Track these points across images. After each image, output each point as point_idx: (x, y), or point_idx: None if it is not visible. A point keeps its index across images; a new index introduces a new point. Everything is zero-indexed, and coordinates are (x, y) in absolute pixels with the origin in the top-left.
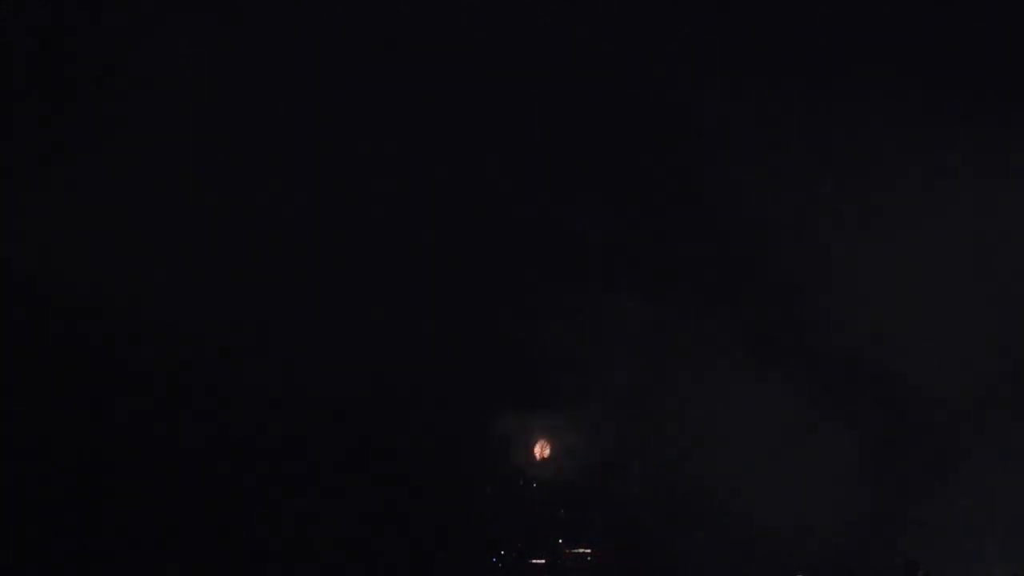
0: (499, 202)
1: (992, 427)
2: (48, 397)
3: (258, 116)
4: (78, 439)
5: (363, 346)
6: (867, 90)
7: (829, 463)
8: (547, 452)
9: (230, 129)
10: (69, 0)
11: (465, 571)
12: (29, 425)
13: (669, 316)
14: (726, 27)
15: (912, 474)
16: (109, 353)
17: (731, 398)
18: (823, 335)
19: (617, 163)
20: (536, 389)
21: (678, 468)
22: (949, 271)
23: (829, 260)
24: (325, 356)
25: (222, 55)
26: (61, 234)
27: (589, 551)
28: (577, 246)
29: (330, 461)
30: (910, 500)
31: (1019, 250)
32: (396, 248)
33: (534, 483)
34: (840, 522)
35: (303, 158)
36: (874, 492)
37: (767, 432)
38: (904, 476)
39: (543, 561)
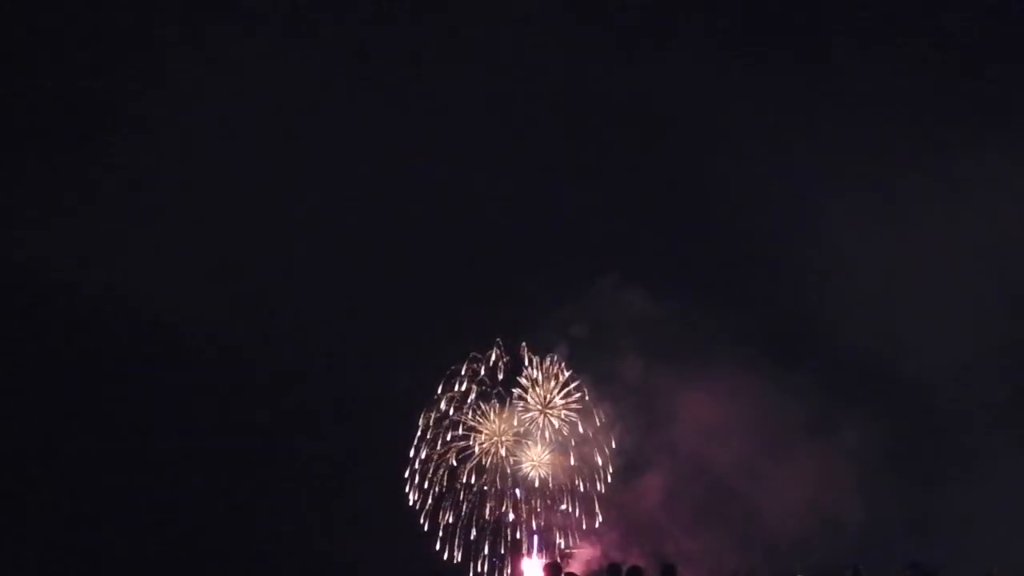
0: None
1: (996, 428)
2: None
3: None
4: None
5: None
6: (879, 88)
7: (833, 464)
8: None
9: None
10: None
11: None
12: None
13: (684, 313)
14: (730, 27)
15: (914, 474)
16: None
17: (736, 399)
18: (828, 338)
19: (628, 162)
20: None
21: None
22: (957, 272)
23: (844, 259)
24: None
25: (223, 55)
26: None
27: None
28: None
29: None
30: (911, 499)
31: None
32: (397, 247)
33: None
34: (842, 522)
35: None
36: (876, 492)
37: (773, 433)
38: (906, 476)
39: (544, 561)
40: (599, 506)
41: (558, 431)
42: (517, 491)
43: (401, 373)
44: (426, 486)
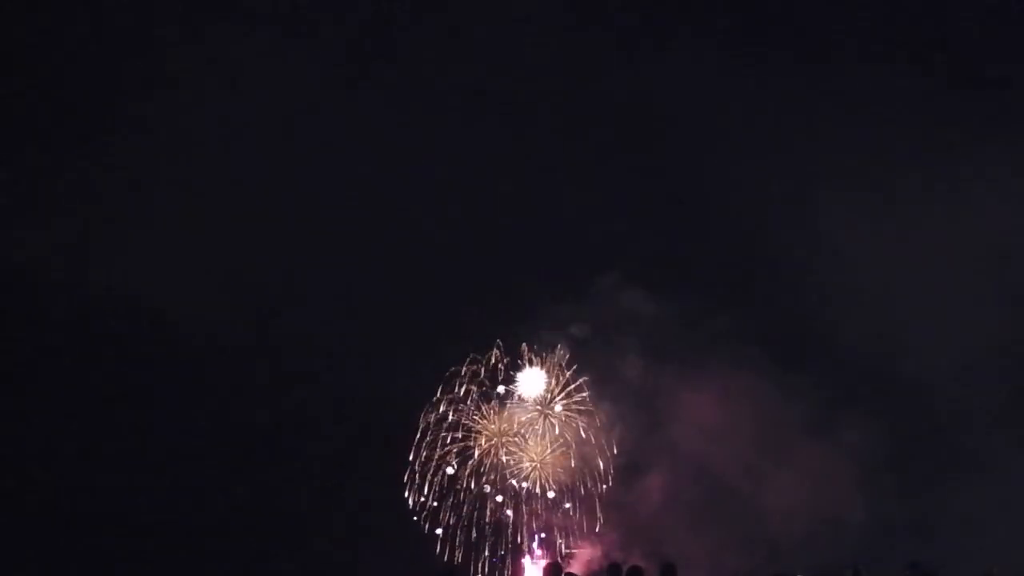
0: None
1: (996, 428)
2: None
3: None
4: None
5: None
6: (879, 88)
7: (833, 464)
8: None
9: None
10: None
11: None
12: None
13: (684, 313)
14: (730, 27)
15: (914, 474)
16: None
17: (736, 399)
18: (828, 338)
19: (628, 163)
20: None
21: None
22: (957, 272)
23: (844, 259)
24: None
25: (223, 55)
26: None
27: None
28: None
29: (330, 453)
30: (911, 499)
31: None
32: (397, 247)
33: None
34: (843, 522)
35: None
36: (876, 492)
37: (773, 433)
38: (906, 476)
39: (545, 561)
40: (599, 507)
41: (560, 434)
42: (516, 486)
43: (401, 373)
44: (426, 488)
